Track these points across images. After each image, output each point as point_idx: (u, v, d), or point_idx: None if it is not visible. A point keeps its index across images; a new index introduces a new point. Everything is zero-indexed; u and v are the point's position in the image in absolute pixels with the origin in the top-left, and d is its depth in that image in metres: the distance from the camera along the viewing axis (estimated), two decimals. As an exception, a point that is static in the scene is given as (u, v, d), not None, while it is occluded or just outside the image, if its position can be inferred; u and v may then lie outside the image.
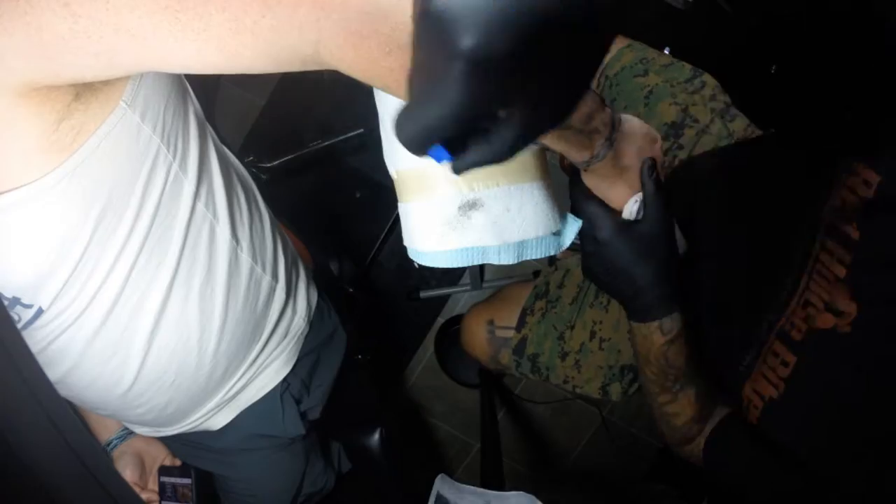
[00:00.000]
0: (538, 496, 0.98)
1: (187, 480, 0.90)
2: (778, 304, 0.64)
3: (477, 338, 1.04)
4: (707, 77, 0.93)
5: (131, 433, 0.89)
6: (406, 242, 0.58)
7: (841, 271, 0.57)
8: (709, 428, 0.69)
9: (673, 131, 0.90)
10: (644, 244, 0.59)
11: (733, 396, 0.68)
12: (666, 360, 0.65)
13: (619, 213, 0.61)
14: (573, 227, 0.60)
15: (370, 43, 0.40)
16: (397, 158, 0.56)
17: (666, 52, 0.99)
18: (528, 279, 1.16)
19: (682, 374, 0.66)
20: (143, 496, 0.88)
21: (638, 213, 0.61)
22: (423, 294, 1.64)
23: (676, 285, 0.62)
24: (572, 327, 0.97)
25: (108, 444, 0.88)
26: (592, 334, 0.96)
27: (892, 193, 0.55)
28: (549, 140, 0.52)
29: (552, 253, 0.57)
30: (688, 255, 0.69)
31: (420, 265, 0.57)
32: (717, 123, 0.89)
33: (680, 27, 1.26)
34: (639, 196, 0.60)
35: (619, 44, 1.00)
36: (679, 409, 0.68)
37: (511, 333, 1.00)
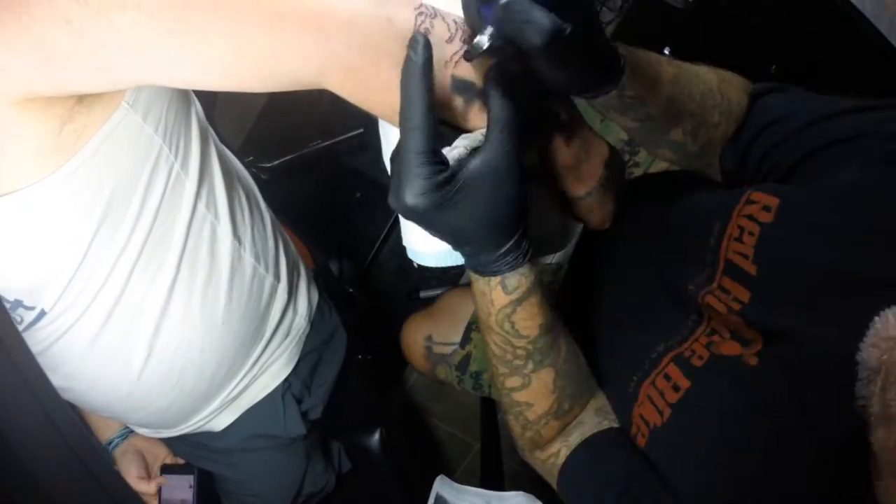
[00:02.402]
0: (538, 496, 0.98)
1: (189, 478, 0.90)
2: (682, 333, 0.56)
3: (415, 351, 1.03)
4: None
5: (132, 431, 0.89)
6: (404, 242, 0.59)
7: (736, 306, 0.51)
8: (576, 438, 0.57)
9: (629, 148, 0.88)
10: (476, 191, 0.43)
11: (625, 421, 0.58)
12: (511, 325, 0.52)
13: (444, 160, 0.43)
14: (574, 227, 0.60)
15: (370, 75, 0.41)
16: (396, 159, 0.56)
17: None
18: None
19: (534, 348, 0.53)
20: (150, 489, 0.88)
21: (464, 151, 0.45)
22: (423, 294, 1.64)
23: (523, 234, 0.48)
24: None
25: (110, 443, 0.88)
26: None
27: (786, 222, 0.49)
28: (552, 176, 0.52)
29: (551, 253, 0.57)
30: (595, 264, 0.62)
31: (419, 265, 0.57)
32: None
33: (680, 27, 1.26)
34: (474, 134, 0.45)
35: None
36: (531, 396, 0.55)
37: (449, 349, 0.98)
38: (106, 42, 0.37)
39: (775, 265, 0.49)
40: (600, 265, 0.75)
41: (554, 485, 0.59)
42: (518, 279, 0.50)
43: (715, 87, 0.57)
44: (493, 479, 1.23)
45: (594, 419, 0.58)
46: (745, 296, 0.50)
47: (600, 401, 0.60)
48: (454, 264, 0.55)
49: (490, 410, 1.45)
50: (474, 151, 0.44)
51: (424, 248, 0.56)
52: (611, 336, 0.67)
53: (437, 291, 1.65)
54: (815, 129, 0.54)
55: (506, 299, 0.51)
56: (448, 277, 1.68)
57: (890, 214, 0.44)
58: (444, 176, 0.41)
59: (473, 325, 0.98)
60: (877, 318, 0.39)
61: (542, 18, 0.37)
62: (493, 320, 0.52)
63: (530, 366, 0.54)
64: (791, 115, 0.56)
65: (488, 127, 0.43)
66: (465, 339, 0.98)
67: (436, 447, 1.84)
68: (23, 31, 0.37)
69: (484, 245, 0.47)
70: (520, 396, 0.56)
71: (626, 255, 0.70)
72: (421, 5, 0.41)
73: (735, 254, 0.52)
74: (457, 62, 0.43)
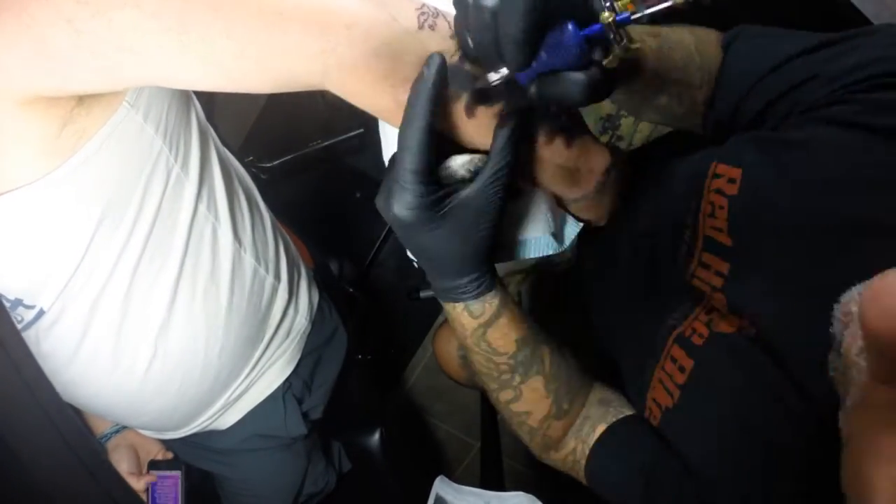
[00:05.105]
0: (538, 496, 0.98)
1: (176, 473, 0.90)
2: (681, 312, 0.57)
3: (449, 363, 1.03)
4: None
5: (126, 426, 0.89)
6: (405, 243, 0.59)
7: (719, 282, 0.52)
8: (587, 431, 0.58)
9: (609, 123, 0.89)
10: (457, 222, 0.44)
11: (640, 406, 0.59)
12: (488, 345, 0.53)
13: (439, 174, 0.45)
14: (572, 227, 0.59)
15: (374, 76, 0.40)
16: (397, 159, 0.56)
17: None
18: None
19: (516, 362, 0.54)
20: (139, 486, 0.88)
21: (466, 172, 0.46)
22: (423, 294, 1.64)
23: (488, 269, 0.50)
24: None
25: (103, 437, 0.89)
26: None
27: (752, 187, 0.51)
28: (545, 177, 0.52)
29: (549, 252, 0.57)
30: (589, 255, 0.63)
31: (419, 265, 0.57)
32: None
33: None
34: (472, 157, 0.46)
35: None
36: (528, 405, 0.57)
37: None
38: (106, 41, 0.37)
39: (747, 232, 0.50)
40: (601, 257, 0.75)
41: (581, 479, 0.59)
42: (482, 306, 0.51)
43: (693, 49, 0.59)
44: (493, 479, 1.23)
45: (598, 410, 0.59)
46: (724, 267, 0.52)
47: (601, 392, 0.61)
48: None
49: (490, 410, 1.45)
50: (464, 182, 0.46)
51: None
52: (624, 327, 0.67)
53: (437, 291, 1.66)
54: (773, 77, 0.55)
55: (474, 323, 0.52)
56: (448, 277, 1.68)
57: (831, 169, 0.46)
58: (433, 198, 0.43)
59: None
60: (844, 294, 0.39)
61: (578, 83, 0.37)
62: (470, 341, 0.54)
63: (517, 378, 0.55)
64: (754, 63, 0.57)
65: (487, 163, 0.44)
66: None
67: (436, 447, 1.84)
68: (23, 31, 0.37)
69: (449, 272, 0.49)
70: (517, 407, 0.57)
71: (621, 247, 0.71)
72: (423, 5, 0.41)
73: (711, 229, 0.54)
74: (461, 56, 0.43)
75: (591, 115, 0.91)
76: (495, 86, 0.40)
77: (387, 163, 0.59)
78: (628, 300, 0.67)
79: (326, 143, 1.49)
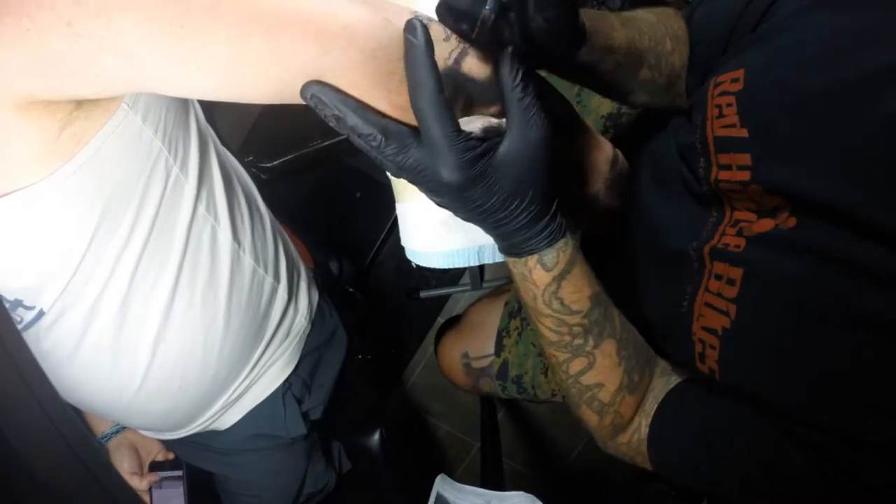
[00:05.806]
0: (538, 496, 0.98)
1: (178, 473, 0.90)
2: (707, 231, 0.56)
3: (454, 370, 1.03)
4: None
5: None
6: (403, 243, 0.59)
7: (745, 175, 0.50)
8: (651, 405, 0.56)
9: (611, 122, 0.89)
10: (511, 165, 0.44)
11: (685, 349, 0.56)
12: (561, 303, 0.51)
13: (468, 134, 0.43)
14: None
15: (370, 80, 0.40)
16: (396, 159, 0.56)
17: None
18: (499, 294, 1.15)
19: (590, 322, 0.52)
20: (142, 486, 0.89)
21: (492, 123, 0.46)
22: (423, 294, 1.65)
23: (558, 208, 0.49)
24: None
25: (104, 437, 0.89)
26: None
27: (757, 77, 0.50)
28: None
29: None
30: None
31: (419, 265, 0.57)
32: None
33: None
34: (482, 119, 0.46)
35: None
36: (600, 375, 0.54)
37: (486, 361, 0.98)
38: (103, 45, 0.37)
39: (763, 118, 0.49)
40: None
41: (645, 463, 0.57)
42: (556, 254, 0.49)
43: (655, 20, 0.61)
44: (493, 479, 1.24)
45: (661, 381, 0.58)
46: (745, 159, 0.50)
47: (661, 363, 0.59)
48: (453, 265, 0.55)
49: (490, 410, 1.45)
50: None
51: (424, 248, 0.56)
52: (648, 269, 0.66)
53: (438, 291, 1.66)
54: (748, 11, 0.56)
55: (548, 277, 0.50)
56: (447, 278, 1.68)
57: (828, 41, 0.46)
58: (477, 151, 0.42)
59: (504, 332, 0.98)
60: None
61: None
62: (541, 302, 0.51)
63: (591, 341, 0.53)
64: (722, 13, 0.59)
65: (512, 107, 0.43)
66: (499, 346, 0.97)
67: (436, 447, 1.84)
68: (22, 32, 0.37)
69: (519, 221, 0.47)
70: (588, 379, 0.54)
71: (636, 192, 0.69)
72: (415, 13, 0.42)
73: (722, 128, 0.53)
74: (456, 59, 0.44)
75: (592, 115, 0.91)
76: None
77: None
78: (652, 238, 0.65)
79: (326, 143, 1.48)
